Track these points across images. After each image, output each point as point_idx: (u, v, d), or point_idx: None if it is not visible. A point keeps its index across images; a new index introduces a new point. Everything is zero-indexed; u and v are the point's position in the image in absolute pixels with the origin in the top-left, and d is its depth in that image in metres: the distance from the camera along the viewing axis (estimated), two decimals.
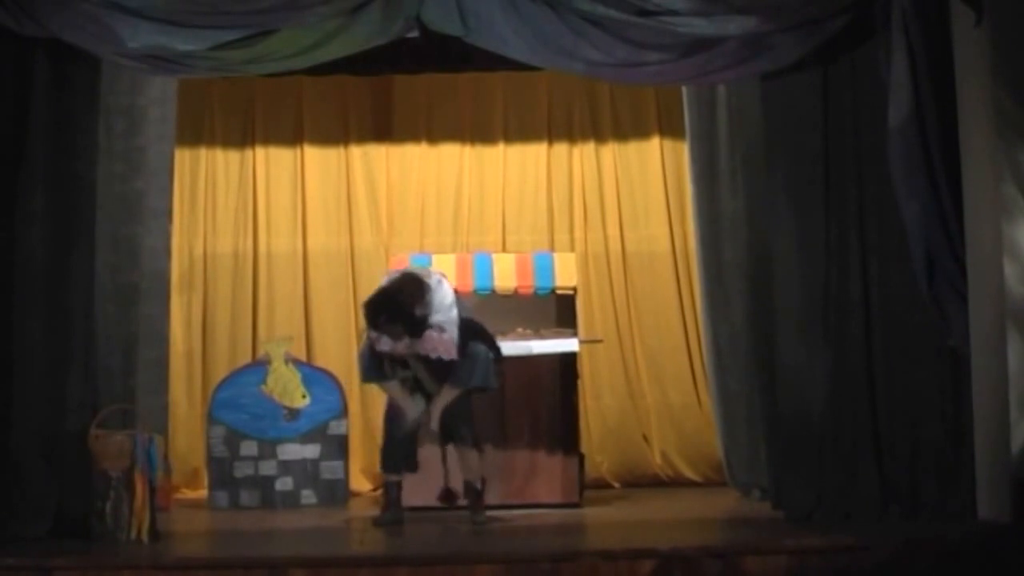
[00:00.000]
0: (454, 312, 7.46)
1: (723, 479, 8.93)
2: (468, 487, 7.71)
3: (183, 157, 9.39)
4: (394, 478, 7.68)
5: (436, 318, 7.40)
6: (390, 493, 7.68)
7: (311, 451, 8.78)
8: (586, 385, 9.37)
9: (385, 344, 7.40)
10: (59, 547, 6.79)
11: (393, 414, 7.68)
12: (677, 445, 9.69)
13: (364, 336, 7.68)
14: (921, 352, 7.30)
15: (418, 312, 7.33)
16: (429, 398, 7.60)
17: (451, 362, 7.46)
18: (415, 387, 7.62)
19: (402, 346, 7.40)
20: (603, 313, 9.83)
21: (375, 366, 7.57)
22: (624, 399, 9.77)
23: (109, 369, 7.57)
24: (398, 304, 7.33)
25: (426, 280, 7.47)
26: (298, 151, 9.91)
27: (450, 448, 7.70)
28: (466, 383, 7.54)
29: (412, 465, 7.72)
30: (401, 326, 7.32)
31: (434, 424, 7.57)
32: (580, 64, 7.41)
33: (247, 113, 9.92)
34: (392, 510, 7.62)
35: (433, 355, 7.41)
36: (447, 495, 7.76)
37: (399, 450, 7.67)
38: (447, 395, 7.54)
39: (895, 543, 6.47)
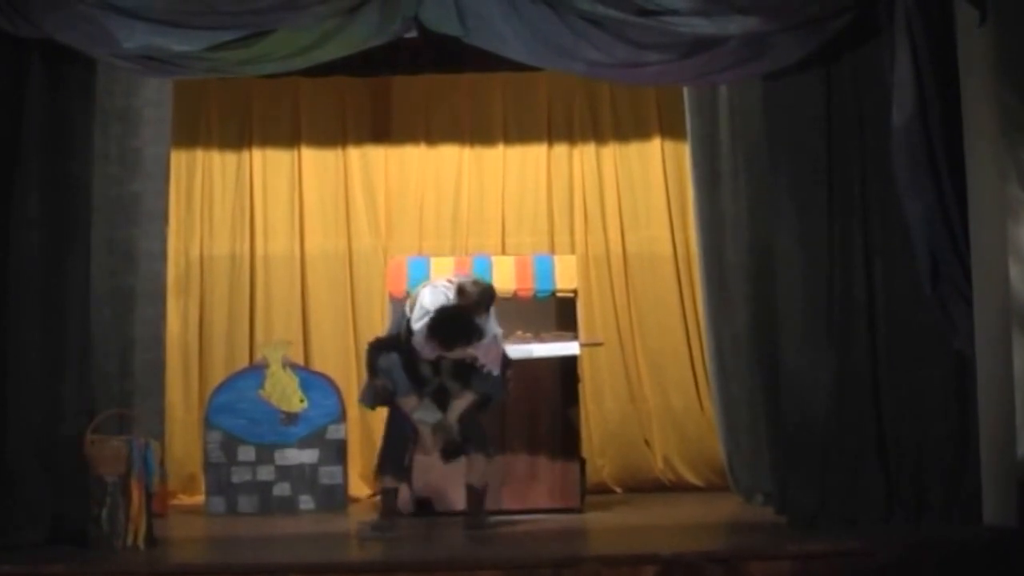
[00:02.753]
0: (497, 325, 7.57)
1: (726, 483, 8.88)
2: (471, 491, 7.64)
3: (179, 159, 9.36)
4: (391, 484, 7.61)
5: (497, 329, 7.50)
6: (387, 500, 7.60)
7: (309, 456, 8.73)
8: (587, 389, 9.32)
9: (431, 351, 7.38)
10: (55, 553, 6.76)
11: (398, 418, 7.60)
12: (679, 449, 9.65)
13: (372, 350, 7.63)
14: (926, 354, 7.26)
15: (479, 322, 7.39)
16: (440, 404, 7.55)
17: (473, 368, 7.47)
18: (431, 394, 7.56)
19: (452, 353, 7.40)
20: (604, 316, 9.79)
21: (409, 380, 7.51)
22: (625, 403, 9.73)
23: (105, 373, 7.54)
24: (472, 319, 7.38)
25: (493, 288, 7.63)
26: (295, 153, 9.87)
27: (466, 455, 7.63)
28: (487, 389, 7.52)
29: (407, 471, 7.67)
30: (464, 339, 7.36)
31: (454, 429, 7.51)
32: (580, 64, 7.37)
33: (244, 115, 9.88)
34: (388, 518, 7.53)
35: (487, 366, 7.44)
36: (419, 503, 7.86)
37: (399, 455, 7.60)
38: (465, 400, 7.50)
39: (900, 547, 6.45)
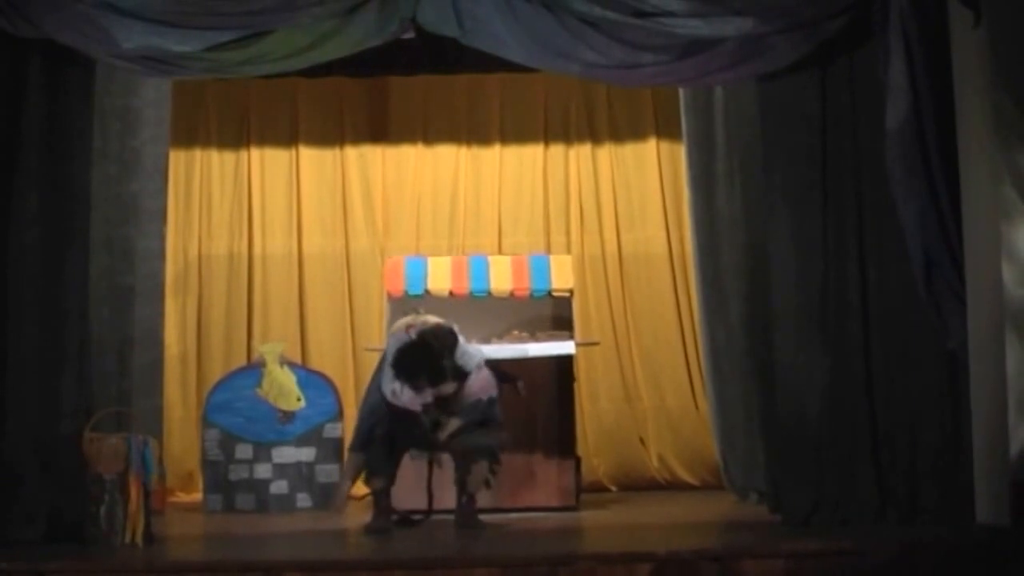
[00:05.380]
0: (475, 350, 7.48)
1: (720, 482, 8.91)
2: (463, 493, 7.65)
3: (178, 159, 9.38)
4: (378, 485, 7.58)
5: (473, 361, 7.39)
6: (379, 500, 7.59)
7: (306, 454, 8.75)
8: (582, 388, 9.35)
9: (408, 399, 7.32)
10: (53, 551, 6.75)
11: (370, 420, 7.59)
12: (674, 448, 9.67)
13: (367, 400, 7.64)
14: (919, 355, 7.27)
15: (447, 363, 7.29)
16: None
17: (455, 396, 7.42)
18: (429, 426, 7.53)
19: (425, 396, 7.32)
20: (599, 316, 9.82)
21: (373, 432, 7.51)
22: (620, 402, 9.76)
23: (103, 372, 7.53)
24: (438, 361, 7.27)
25: (454, 329, 7.44)
26: (293, 152, 9.90)
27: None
28: (475, 417, 7.48)
29: (393, 472, 7.60)
30: (428, 380, 7.28)
31: (445, 450, 7.54)
32: (576, 65, 7.38)
33: (242, 115, 9.91)
34: (382, 518, 7.54)
35: (484, 396, 7.40)
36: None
37: (381, 456, 7.57)
38: (452, 425, 7.47)
39: (893, 547, 6.45)
